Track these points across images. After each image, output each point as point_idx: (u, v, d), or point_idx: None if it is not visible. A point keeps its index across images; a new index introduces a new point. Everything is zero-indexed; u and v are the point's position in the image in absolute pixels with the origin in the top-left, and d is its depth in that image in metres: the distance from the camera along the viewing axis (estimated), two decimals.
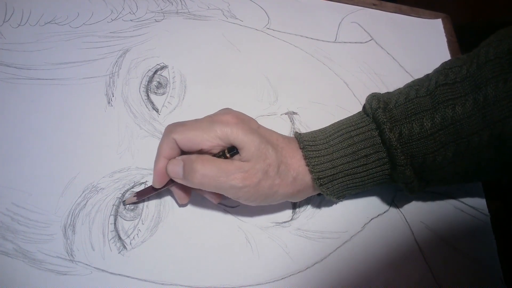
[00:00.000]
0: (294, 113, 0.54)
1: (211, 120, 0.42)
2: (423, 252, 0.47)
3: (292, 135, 0.50)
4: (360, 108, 0.47)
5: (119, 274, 0.42)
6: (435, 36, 0.66)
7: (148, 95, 0.52)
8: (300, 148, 0.43)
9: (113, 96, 0.51)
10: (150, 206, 0.45)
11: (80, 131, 0.48)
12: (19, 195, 0.43)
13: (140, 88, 0.52)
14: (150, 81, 0.53)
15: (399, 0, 0.81)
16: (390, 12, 0.68)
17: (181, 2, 0.61)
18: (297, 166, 0.42)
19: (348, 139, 0.42)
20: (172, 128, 0.42)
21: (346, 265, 0.45)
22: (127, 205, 0.44)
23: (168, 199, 0.46)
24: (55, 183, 0.45)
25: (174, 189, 0.45)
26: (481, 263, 0.47)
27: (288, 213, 0.47)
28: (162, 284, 0.42)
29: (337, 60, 0.60)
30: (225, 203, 0.46)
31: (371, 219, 0.48)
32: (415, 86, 0.43)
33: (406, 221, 0.49)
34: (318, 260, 0.45)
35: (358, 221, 0.48)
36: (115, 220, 0.44)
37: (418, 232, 0.48)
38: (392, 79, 0.58)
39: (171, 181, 0.43)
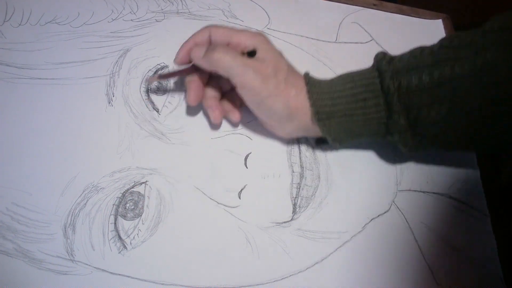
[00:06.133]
0: None
1: (245, 29, 0.48)
2: (423, 252, 0.47)
3: None
4: None
5: (119, 274, 0.42)
6: (436, 37, 0.65)
7: (148, 95, 0.52)
8: (306, 83, 0.46)
9: (113, 96, 0.51)
10: (150, 206, 0.45)
11: (81, 131, 0.48)
12: (19, 194, 0.44)
13: (140, 88, 0.52)
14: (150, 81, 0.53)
15: (400, 0, 0.81)
16: (391, 12, 0.67)
17: (181, 2, 0.61)
18: (300, 88, 0.45)
19: (350, 82, 0.45)
20: (211, 24, 0.48)
21: (347, 265, 0.45)
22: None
23: (167, 199, 0.46)
24: (55, 183, 0.45)
25: (189, 85, 0.48)
26: (481, 263, 0.47)
27: (288, 213, 0.47)
28: (162, 284, 0.42)
29: (338, 60, 0.60)
30: (225, 203, 0.46)
31: (372, 219, 0.48)
32: (422, 47, 0.45)
33: (407, 221, 0.49)
34: (318, 260, 0.45)
35: (359, 221, 0.48)
36: (115, 219, 0.44)
37: (419, 232, 0.48)
38: None
39: (190, 70, 0.48)
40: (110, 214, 0.44)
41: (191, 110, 0.52)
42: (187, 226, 0.45)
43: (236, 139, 0.51)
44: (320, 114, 0.45)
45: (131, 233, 0.43)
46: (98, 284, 0.41)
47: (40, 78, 0.51)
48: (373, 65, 0.46)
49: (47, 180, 0.45)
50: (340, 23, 0.64)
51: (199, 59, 0.46)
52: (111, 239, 0.43)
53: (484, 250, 0.48)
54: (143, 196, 0.45)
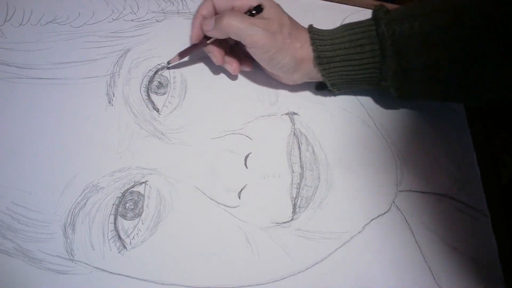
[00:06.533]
0: (294, 113, 0.54)
1: None
2: (423, 253, 0.47)
3: (292, 136, 0.52)
4: (361, 112, 0.51)
5: (119, 274, 0.42)
6: None
7: (148, 95, 0.52)
8: (309, 31, 0.50)
9: (113, 96, 0.51)
10: (150, 205, 0.45)
11: (81, 131, 0.48)
12: (19, 194, 0.44)
13: (141, 88, 0.52)
14: (150, 81, 0.53)
15: (399, 1, 0.81)
16: None
17: (182, 2, 0.61)
18: (306, 38, 0.49)
19: (349, 30, 0.49)
20: None
21: (346, 265, 0.45)
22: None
23: (167, 199, 0.46)
24: (55, 182, 0.45)
25: (210, 49, 0.51)
26: (481, 263, 0.47)
27: (288, 213, 0.47)
28: (162, 284, 0.42)
29: None
30: (225, 203, 0.46)
31: (372, 220, 0.48)
32: (419, 2, 0.49)
33: (407, 221, 0.49)
34: (318, 260, 0.45)
35: (359, 221, 0.48)
36: (115, 219, 0.44)
37: (419, 233, 0.48)
38: None
39: (205, 41, 0.51)
40: (110, 214, 0.44)
41: (191, 110, 0.52)
42: (187, 226, 0.45)
43: (236, 139, 0.51)
44: (321, 59, 0.49)
45: (131, 233, 0.43)
46: (98, 284, 0.41)
47: (40, 78, 0.51)
48: (372, 15, 0.49)
49: (47, 179, 0.45)
50: (341, 23, 0.64)
51: (210, 30, 0.48)
52: (110, 238, 0.43)
53: (484, 251, 0.48)
54: (143, 196, 0.45)
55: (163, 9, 0.60)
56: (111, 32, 0.56)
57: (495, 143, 0.59)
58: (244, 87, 0.55)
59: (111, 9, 0.58)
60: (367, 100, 0.56)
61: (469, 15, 0.44)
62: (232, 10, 0.49)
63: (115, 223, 0.44)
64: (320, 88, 0.55)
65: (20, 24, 0.55)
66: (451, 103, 0.58)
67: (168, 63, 0.52)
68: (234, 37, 0.48)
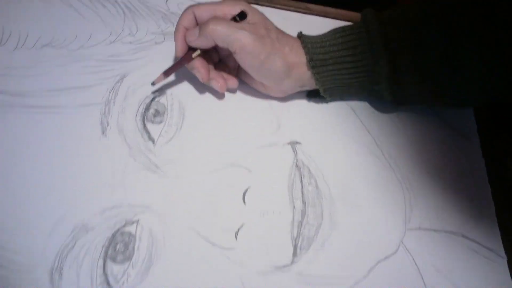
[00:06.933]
0: (297, 142, 0.51)
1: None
2: None
3: (294, 167, 0.49)
4: (368, 140, 0.50)
5: None
6: None
7: (144, 124, 0.50)
8: (299, 37, 0.49)
9: (108, 125, 0.49)
10: (141, 247, 0.43)
11: (72, 164, 0.46)
12: (3, 235, 0.41)
13: (136, 116, 0.50)
14: (147, 108, 0.51)
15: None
16: None
17: None
18: (293, 42, 0.48)
19: (341, 32, 0.48)
20: (191, 5, 0.49)
21: None
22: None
23: (160, 240, 0.43)
24: (42, 221, 0.43)
25: (195, 64, 0.49)
26: None
27: (288, 255, 0.44)
28: None
29: None
30: (221, 245, 0.44)
31: (378, 262, 0.45)
32: (405, 4, 0.49)
33: (415, 264, 0.45)
34: None
35: (364, 264, 0.45)
36: (104, 263, 0.42)
37: (428, 276, 0.45)
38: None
39: (191, 55, 0.48)
40: (99, 257, 0.42)
41: (189, 140, 0.49)
42: (179, 271, 0.42)
43: (235, 171, 0.48)
44: (314, 61, 0.48)
45: (120, 279, 0.41)
46: None
47: (33, 106, 0.49)
48: (361, 18, 0.49)
49: (34, 218, 0.43)
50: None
51: (195, 39, 0.47)
52: (99, 284, 0.41)
53: None
54: (134, 237, 0.43)
55: (162, 30, 0.57)
56: (108, 56, 0.54)
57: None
58: (245, 115, 0.52)
59: (109, 30, 0.56)
60: (375, 128, 0.53)
61: (457, 16, 0.45)
62: (216, 17, 0.47)
63: (104, 267, 0.41)
64: (312, 96, 0.54)
65: (15, 48, 0.53)
66: (464, 130, 0.54)
67: (153, 84, 0.50)
68: (221, 44, 0.46)
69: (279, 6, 0.61)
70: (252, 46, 0.45)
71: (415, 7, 0.48)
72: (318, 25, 0.58)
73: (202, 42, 0.47)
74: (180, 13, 0.49)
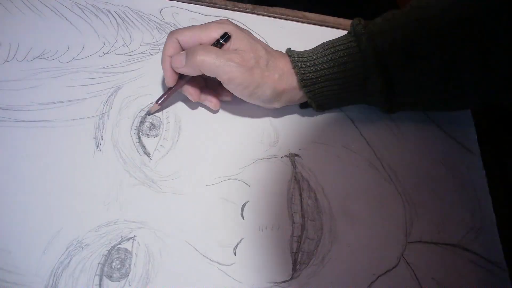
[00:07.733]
0: (296, 155, 0.50)
1: (208, 22, 0.48)
2: None
3: (293, 181, 0.48)
4: (368, 152, 0.50)
5: None
6: None
7: (139, 138, 0.49)
8: (288, 55, 0.48)
9: (102, 140, 0.48)
10: (138, 264, 0.42)
11: (66, 180, 0.45)
12: None
13: (131, 130, 0.49)
14: (142, 122, 0.50)
15: None
16: None
17: None
18: (283, 66, 0.47)
19: (331, 48, 0.47)
20: (174, 31, 0.48)
21: None
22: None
23: (156, 256, 0.42)
24: (37, 239, 0.42)
25: (184, 88, 0.49)
26: None
27: (287, 271, 0.43)
28: None
29: None
30: (219, 261, 0.43)
31: (378, 277, 0.44)
32: (394, 11, 0.48)
33: (416, 278, 0.45)
34: None
35: (364, 279, 0.44)
36: (100, 280, 0.41)
37: None
38: (405, 115, 0.54)
39: (181, 80, 0.48)
40: (95, 275, 0.41)
41: (185, 154, 0.49)
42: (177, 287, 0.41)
43: (233, 185, 0.48)
44: (305, 81, 0.47)
45: None
46: None
47: (24, 121, 0.48)
48: (350, 31, 0.48)
49: (29, 235, 0.42)
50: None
51: (182, 67, 0.46)
52: None
53: None
54: (131, 253, 0.42)
55: (157, 41, 0.57)
56: (101, 68, 0.53)
57: None
58: (242, 127, 0.52)
59: (102, 41, 0.55)
60: (374, 140, 0.52)
61: (448, 23, 0.45)
62: (202, 45, 0.46)
63: (100, 284, 0.40)
64: (304, 106, 0.53)
65: (6, 61, 0.52)
66: (464, 141, 0.54)
67: (148, 114, 0.50)
68: (209, 74, 0.45)
69: (276, 15, 0.60)
70: (241, 79, 0.45)
71: (406, 15, 0.47)
72: (316, 34, 0.58)
73: (189, 70, 0.46)
74: (175, 23, 0.48)
